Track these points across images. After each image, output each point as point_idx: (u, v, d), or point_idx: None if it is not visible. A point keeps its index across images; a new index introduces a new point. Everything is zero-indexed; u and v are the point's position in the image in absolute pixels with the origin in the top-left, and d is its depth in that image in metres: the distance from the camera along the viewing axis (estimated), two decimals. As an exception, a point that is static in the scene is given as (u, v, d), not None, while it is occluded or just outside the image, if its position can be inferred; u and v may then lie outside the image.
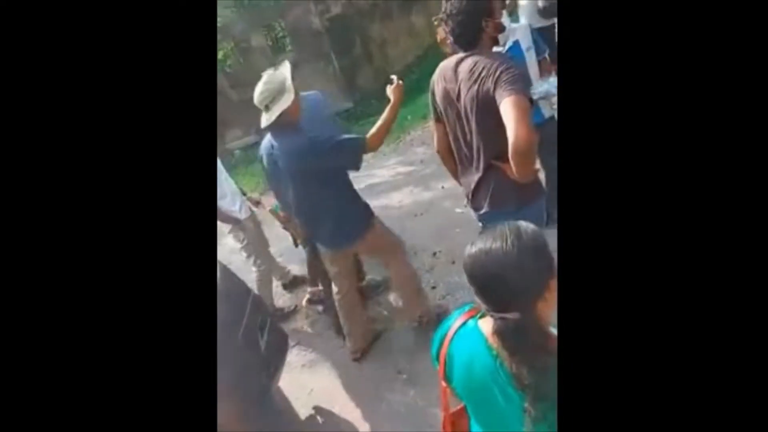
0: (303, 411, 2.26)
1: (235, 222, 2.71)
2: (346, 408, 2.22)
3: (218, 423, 1.71)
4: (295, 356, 2.58)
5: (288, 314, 2.99)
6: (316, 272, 2.68)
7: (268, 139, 2.16)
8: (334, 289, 2.41)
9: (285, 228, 2.78)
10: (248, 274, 2.68)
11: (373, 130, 1.97)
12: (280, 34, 6.85)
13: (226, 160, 6.60)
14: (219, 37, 6.56)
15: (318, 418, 2.21)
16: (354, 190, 2.20)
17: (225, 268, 2.16)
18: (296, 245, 2.74)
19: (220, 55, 6.69)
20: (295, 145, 1.98)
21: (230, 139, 6.73)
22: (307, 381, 2.44)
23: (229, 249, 3.07)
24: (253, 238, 2.80)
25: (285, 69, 1.98)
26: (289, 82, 1.93)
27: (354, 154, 1.99)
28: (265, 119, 1.96)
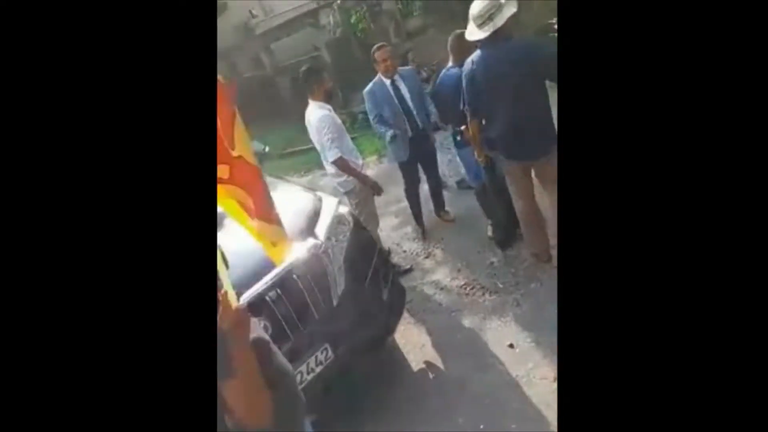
0: (414, 364, 2.37)
1: (361, 176, 2.87)
2: (455, 367, 2.27)
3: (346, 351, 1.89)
4: (408, 311, 2.69)
5: (403, 272, 3.11)
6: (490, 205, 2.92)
7: (476, 55, 2.34)
8: (518, 203, 2.60)
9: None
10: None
11: None
12: (411, -2, 6.80)
13: (350, 122, 6.93)
14: (352, 1, 6.75)
15: (429, 373, 2.31)
16: (550, 108, 2.32)
17: (357, 220, 2.30)
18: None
19: (352, 18, 6.89)
20: (516, 49, 2.22)
21: (356, 103, 6.99)
22: (420, 337, 2.54)
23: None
24: (365, 196, 2.95)
25: None
26: None
27: None
28: (483, 30, 2.19)
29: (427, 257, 3.28)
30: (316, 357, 1.84)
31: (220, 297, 1.01)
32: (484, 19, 2.18)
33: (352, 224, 2.21)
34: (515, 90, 2.24)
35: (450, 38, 2.98)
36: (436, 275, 3.03)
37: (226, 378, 0.97)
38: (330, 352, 1.88)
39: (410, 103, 3.12)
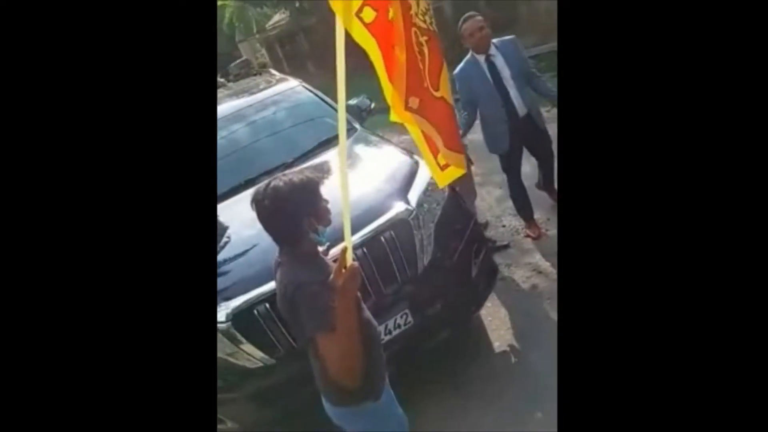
0: (497, 345, 2.27)
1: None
2: (541, 357, 2.11)
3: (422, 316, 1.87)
4: (498, 290, 2.56)
5: (499, 248, 2.95)
6: None
7: None
8: None
9: None
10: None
11: None
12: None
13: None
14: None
15: (512, 356, 2.19)
16: None
17: (453, 189, 2.20)
18: None
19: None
20: None
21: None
22: (508, 318, 2.41)
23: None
24: None
25: None
26: None
27: None
28: None
29: (528, 236, 3.05)
30: (395, 320, 1.85)
31: (338, 252, 1.05)
32: None
33: (447, 192, 2.12)
34: None
35: None
36: (535, 257, 2.82)
37: (325, 331, 1.00)
38: (409, 318, 1.87)
39: (507, 83, 2.62)
